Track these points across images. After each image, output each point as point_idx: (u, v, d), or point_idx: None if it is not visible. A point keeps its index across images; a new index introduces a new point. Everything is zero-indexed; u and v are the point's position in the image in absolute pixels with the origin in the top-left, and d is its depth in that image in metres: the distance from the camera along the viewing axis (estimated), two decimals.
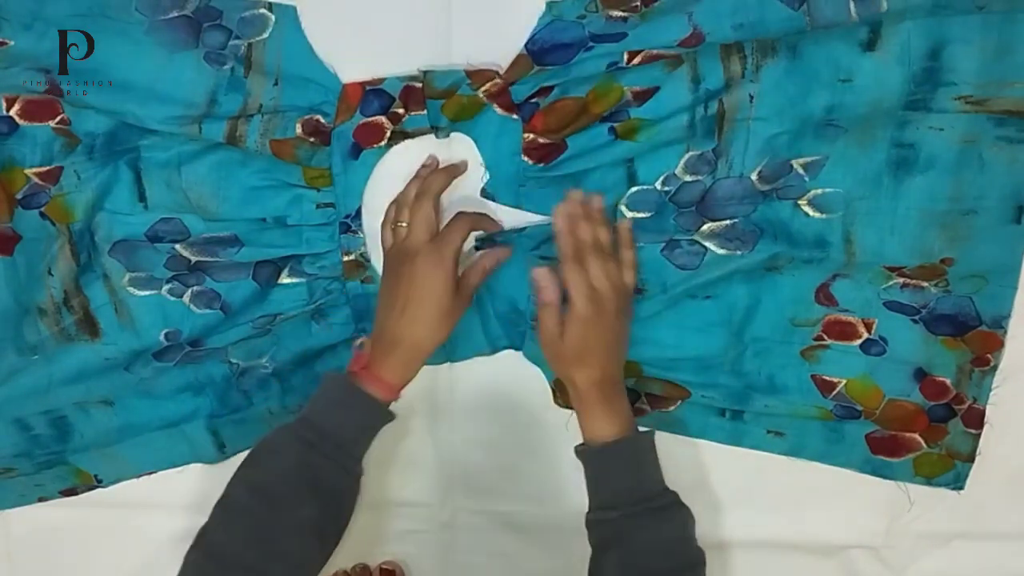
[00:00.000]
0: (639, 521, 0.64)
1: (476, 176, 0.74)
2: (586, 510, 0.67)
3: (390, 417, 0.68)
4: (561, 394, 0.76)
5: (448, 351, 0.76)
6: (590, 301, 0.66)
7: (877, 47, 0.68)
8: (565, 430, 0.77)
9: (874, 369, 0.73)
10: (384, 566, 0.80)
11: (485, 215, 0.73)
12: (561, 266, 0.67)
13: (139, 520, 0.79)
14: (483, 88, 0.71)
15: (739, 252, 0.71)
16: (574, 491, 0.78)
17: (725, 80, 0.69)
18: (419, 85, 0.71)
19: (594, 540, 0.66)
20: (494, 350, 0.76)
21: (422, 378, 0.77)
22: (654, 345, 0.74)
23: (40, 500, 0.80)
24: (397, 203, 0.73)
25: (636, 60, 0.69)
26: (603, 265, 0.67)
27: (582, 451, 0.67)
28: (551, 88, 0.71)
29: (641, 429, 0.67)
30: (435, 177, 0.72)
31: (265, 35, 0.72)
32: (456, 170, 0.73)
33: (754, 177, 0.70)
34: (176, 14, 0.72)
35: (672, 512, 0.66)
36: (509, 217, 0.75)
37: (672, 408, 0.76)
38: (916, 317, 0.72)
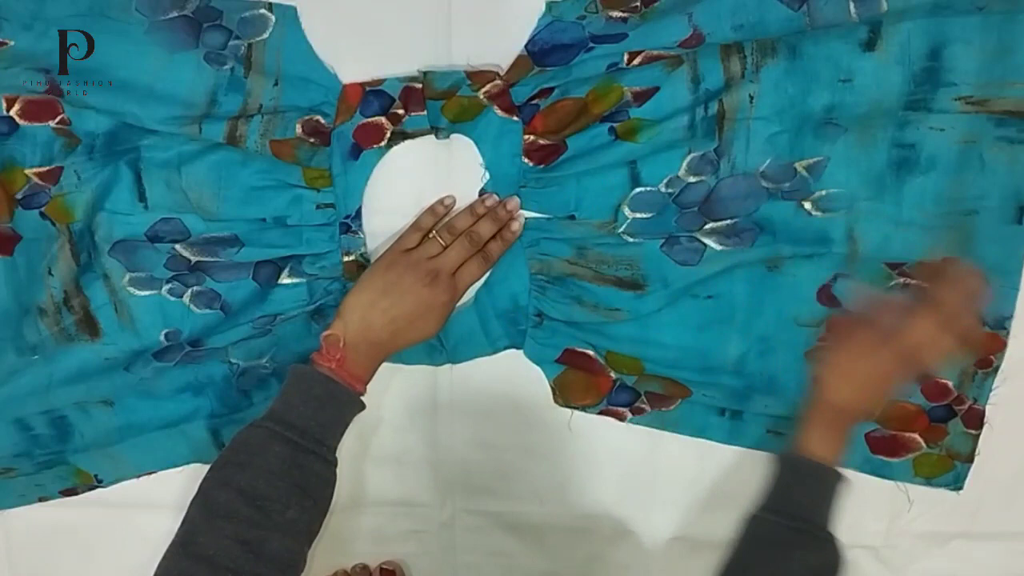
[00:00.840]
0: (801, 538, 0.64)
1: (476, 177, 0.74)
2: (750, 511, 0.66)
3: (363, 407, 0.68)
4: (561, 393, 0.76)
5: (449, 353, 0.76)
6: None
7: (877, 47, 0.68)
8: (567, 430, 0.78)
9: None
10: (384, 566, 0.80)
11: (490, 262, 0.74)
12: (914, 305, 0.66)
13: (139, 520, 0.79)
14: (483, 89, 0.71)
15: (738, 248, 0.71)
16: (574, 491, 0.79)
17: (725, 80, 0.69)
18: (419, 86, 0.71)
19: (747, 535, 0.65)
20: (495, 350, 0.76)
21: (422, 378, 0.78)
22: (657, 344, 0.74)
23: (40, 500, 0.80)
24: (449, 223, 0.72)
25: (636, 61, 0.69)
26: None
27: (787, 455, 0.67)
28: (551, 89, 0.71)
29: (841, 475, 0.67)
30: (489, 230, 0.72)
31: (265, 35, 0.72)
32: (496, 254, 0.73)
33: (757, 175, 0.71)
34: (176, 14, 0.72)
35: (830, 548, 0.65)
36: None
37: (672, 407, 0.76)
38: None
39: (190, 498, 0.62)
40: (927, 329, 0.64)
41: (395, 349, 0.70)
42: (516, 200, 0.73)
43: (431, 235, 0.72)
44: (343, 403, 0.67)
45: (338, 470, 0.77)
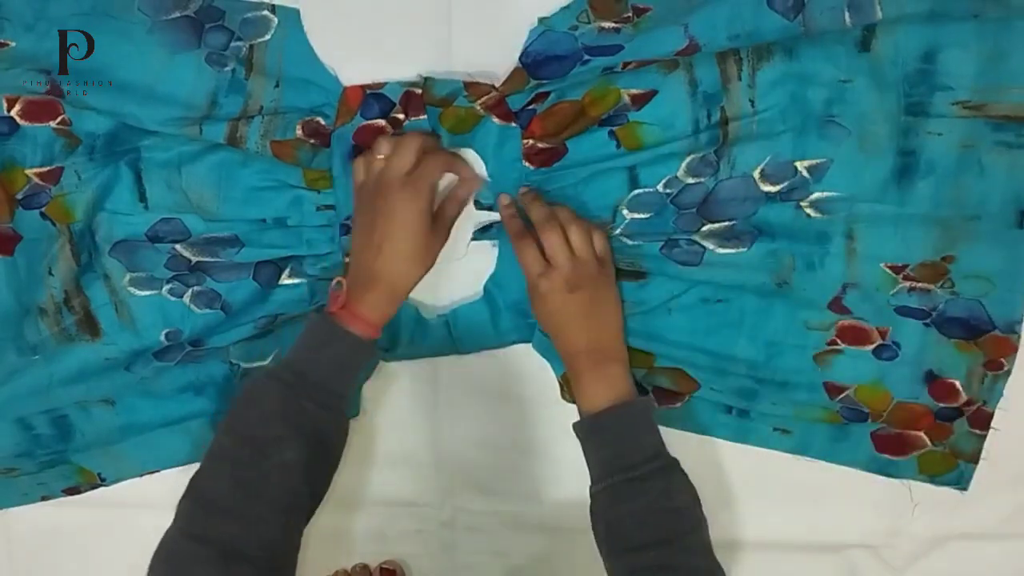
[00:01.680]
0: (617, 493, 0.64)
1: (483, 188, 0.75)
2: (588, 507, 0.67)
3: (372, 353, 0.68)
4: (569, 389, 0.76)
5: (456, 342, 0.76)
6: (571, 262, 0.68)
7: (872, 48, 0.68)
8: (567, 430, 0.77)
9: (885, 374, 0.73)
10: (385, 566, 0.80)
11: (459, 156, 0.73)
12: (537, 229, 0.69)
13: (140, 519, 0.78)
14: (480, 101, 0.71)
15: (737, 250, 0.72)
16: (576, 490, 0.79)
17: (722, 83, 0.69)
18: (419, 91, 0.71)
19: (591, 517, 0.66)
20: (502, 343, 0.77)
21: (423, 376, 0.78)
22: (666, 342, 0.74)
23: (43, 499, 0.80)
24: (378, 140, 0.71)
25: (632, 65, 0.69)
26: (582, 229, 0.69)
27: (575, 425, 0.67)
28: (547, 94, 0.71)
29: (640, 397, 0.68)
30: (434, 142, 0.71)
31: (267, 37, 0.72)
32: (456, 167, 0.72)
33: (756, 175, 0.71)
34: (178, 14, 0.72)
35: (652, 482, 0.64)
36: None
37: (679, 404, 0.76)
38: (927, 321, 0.72)
39: None
40: (560, 233, 0.68)
41: (404, 277, 0.68)
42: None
43: (376, 156, 0.69)
44: (346, 346, 0.66)
45: (339, 468, 0.77)
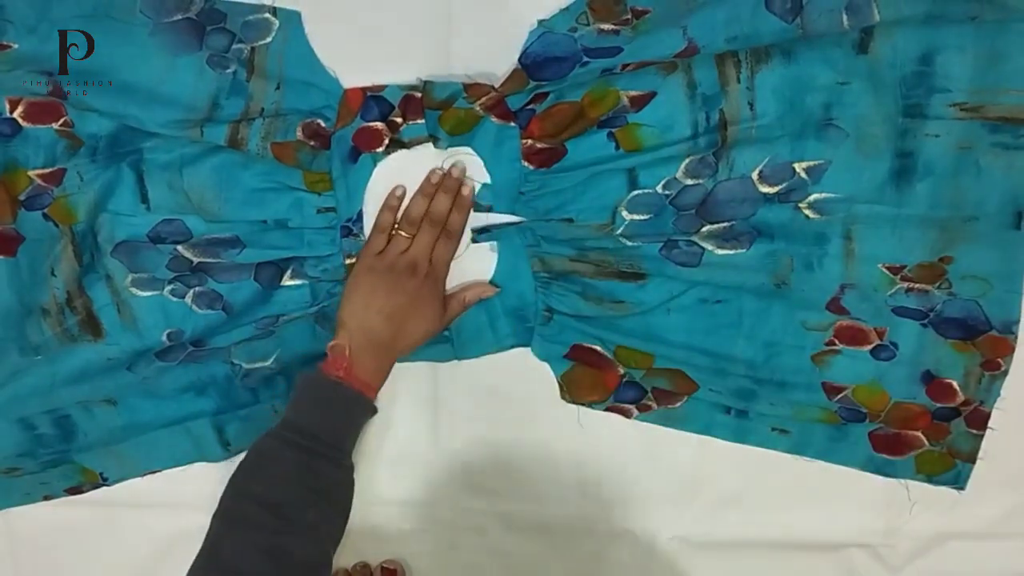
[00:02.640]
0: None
1: (476, 179, 0.75)
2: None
3: (375, 411, 0.69)
4: (569, 390, 0.77)
5: (456, 349, 0.76)
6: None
7: (869, 50, 0.69)
8: (567, 429, 0.78)
9: (883, 374, 0.73)
10: (385, 565, 0.80)
11: (492, 289, 0.76)
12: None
13: (143, 519, 0.80)
14: (479, 102, 0.71)
15: (736, 251, 0.72)
16: (575, 490, 0.79)
17: (720, 85, 0.69)
18: (419, 95, 0.71)
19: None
20: (501, 348, 0.77)
21: (424, 377, 0.78)
22: (665, 343, 0.75)
23: (45, 498, 0.80)
24: (406, 214, 0.73)
25: (630, 66, 0.69)
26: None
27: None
28: (546, 94, 0.71)
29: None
30: (445, 204, 0.73)
31: (268, 39, 0.73)
32: (476, 292, 0.75)
33: (754, 176, 0.71)
34: (180, 17, 0.72)
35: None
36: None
37: (678, 405, 0.76)
38: (925, 321, 0.72)
39: (194, 497, 0.63)
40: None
41: (403, 349, 0.71)
42: (460, 167, 0.74)
43: (394, 232, 0.73)
44: (353, 408, 0.67)
45: None
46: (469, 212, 0.75)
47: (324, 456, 0.65)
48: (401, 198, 0.75)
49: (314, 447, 0.64)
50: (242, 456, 0.65)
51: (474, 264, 0.76)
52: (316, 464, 0.64)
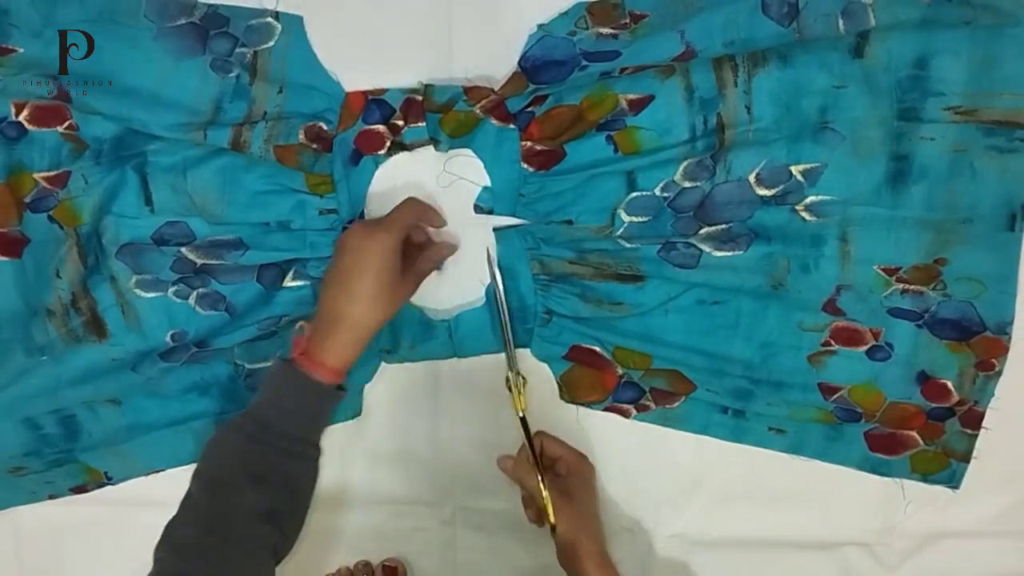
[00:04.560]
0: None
1: (476, 180, 0.76)
2: None
3: (338, 397, 0.68)
4: (568, 390, 0.77)
5: (456, 347, 0.77)
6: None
7: (865, 54, 0.69)
8: (577, 425, 0.78)
9: (878, 374, 0.74)
10: (386, 563, 0.81)
11: (431, 207, 0.74)
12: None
13: (147, 518, 0.78)
14: (479, 104, 0.72)
15: (733, 253, 0.73)
16: None
17: (718, 89, 0.70)
18: (420, 98, 0.72)
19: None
20: (501, 349, 0.77)
21: (424, 377, 0.78)
22: (663, 343, 0.75)
23: (50, 497, 0.80)
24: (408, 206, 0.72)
25: (629, 70, 0.70)
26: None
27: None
28: (546, 97, 0.72)
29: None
30: (431, 217, 0.73)
31: (271, 43, 0.73)
32: (429, 217, 0.74)
33: (752, 179, 0.72)
34: (184, 21, 0.73)
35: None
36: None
37: (676, 405, 0.77)
38: (920, 322, 0.73)
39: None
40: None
41: (368, 319, 0.67)
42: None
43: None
44: (306, 394, 0.66)
45: (339, 468, 0.78)
46: (424, 206, 0.73)
47: (271, 444, 0.65)
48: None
49: (261, 435, 0.65)
50: None
51: (475, 269, 0.76)
52: (261, 452, 0.65)
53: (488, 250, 0.75)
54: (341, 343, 0.66)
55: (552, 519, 0.71)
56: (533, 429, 0.75)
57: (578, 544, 0.70)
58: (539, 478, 0.71)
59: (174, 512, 0.64)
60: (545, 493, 0.71)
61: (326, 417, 0.69)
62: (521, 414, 0.73)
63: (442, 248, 0.75)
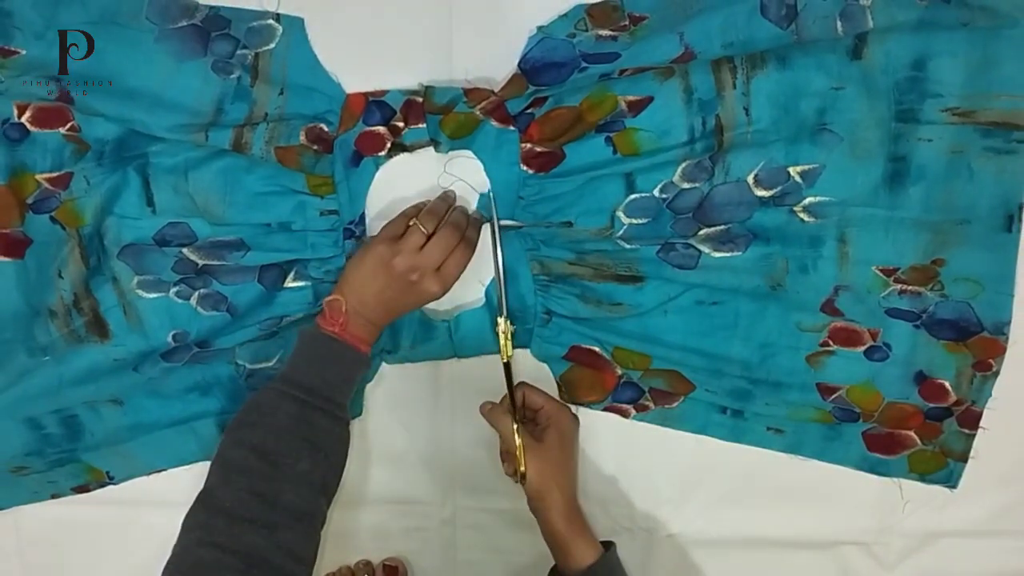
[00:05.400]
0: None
1: (476, 181, 0.76)
2: None
3: (370, 365, 0.73)
4: (567, 390, 0.78)
5: (456, 347, 0.77)
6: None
7: (863, 55, 0.69)
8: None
9: (876, 375, 0.74)
10: (387, 562, 0.81)
11: (462, 211, 0.75)
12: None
13: (149, 517, 0.80)
14: (479, 106, 0.72)
15: (732, 254, 0.73)
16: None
17: (716, 90, 0.70)
18: (420, 100, 0.72)
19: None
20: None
21: (424, 376, 0.79)
22: (662, 344, 0.76)
23: (53, 497, 0.81)
24: (429, 209, 0.73)
25: (628, 71, 0.70)
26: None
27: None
28: (545, 99, 0.72)
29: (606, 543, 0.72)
30: (463, 217, 0.73)
31: (272, 45, 0.73)
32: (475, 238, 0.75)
33: (750, 180, 0.72)
34: (185, 23, 0.73)
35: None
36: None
37: (675, 404, 0.77)
38: (917, 322, 0.73)
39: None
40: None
41: (389, 321, 0.73)
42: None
43: (413, 223, 0.71)
44: (348, 362, 0.70)
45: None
46: (476, 243, 0.75)
47: (319, 408, 0.67)
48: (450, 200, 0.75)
49: (310, 399, 0.66)
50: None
51: (475, 270, 0.76)
52: (310, 416, 0.66)
53: (490, 195, 0.75)
54: (371, 327, 0.71)
55: (523, 467, 0.71)
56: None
57: (547, 493, 0.71)
58: (514, 426, 0.71)
59: (173, 511, 0.63)
60: (518, 440, 0.71)
61: (356, 385, 0.72)
62: (505, 360, 0.73)
63: (472, 245, 0.74)
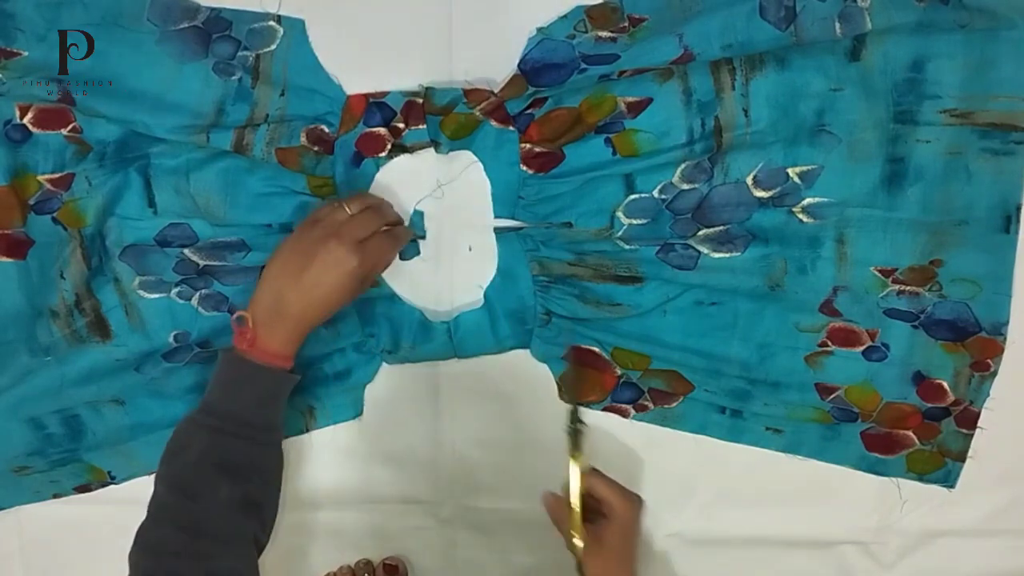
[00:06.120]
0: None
1: (476, 182, 0.76)
2: None
3: (293, 380, 0.69)
4: (566, 389, 0.78)
5: (456, 347, 0.77)
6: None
7: (861, 57, 0.70)
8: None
9: (875, 375, 0.75)
10: (387, 562, 0.81)
11: (389, 206, 0.75)
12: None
13: None
14: (479, 107, 0.72)
15: (731, 254, 0.73)
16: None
17: (716, 92, 0.71)
18: (420, 100, 0.72)
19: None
20: (501, 349, 0.78)
21: (424, 377, 0.79)
22: (661, 344, 0.76)
23: (55, 496, 0.81)
24: (358, 194, 0.73)
25: (627, 73, 0.71)
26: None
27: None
28: (545, 99, 0.72)
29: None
30: (396, 217, 0.74)
31: (273, 47, 0.74)
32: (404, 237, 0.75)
33: (749, 181, 0.72)
34: (187, 24, 0.73)
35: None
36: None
37: (674, 405, 0.78)
38: (916, 323, 0.74)
39: None
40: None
41: (314, 319, 0.68)
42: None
43: (338, 203, 0.70)
44: (262, 382, 0.67)
45: (341, 467, 0.78)
46: (404, 241, 0.75)
47: (236, 435, 0.66)
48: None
49: (223, 426, 0.66)
50: None
51: (474, 271, 0.77)
52: (225, 443, 0.65)
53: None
54: (289, 333, 0.67)
55: (584, 569, 0.68)
56: (537, 438, 0.75)
57: None
58: (576, 526, 0.68)
59: None
60: (579, 543, 0.67)
61: (283, 401, 0.69)
62: (573, 460, 0.69)
63: (398, 238, 0.73)
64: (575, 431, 0.70)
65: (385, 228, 0.72)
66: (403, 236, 0.74)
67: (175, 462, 0.66)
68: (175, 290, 0.76)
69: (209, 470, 0.64)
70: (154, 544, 0.63)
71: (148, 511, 0.65)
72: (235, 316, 0.68)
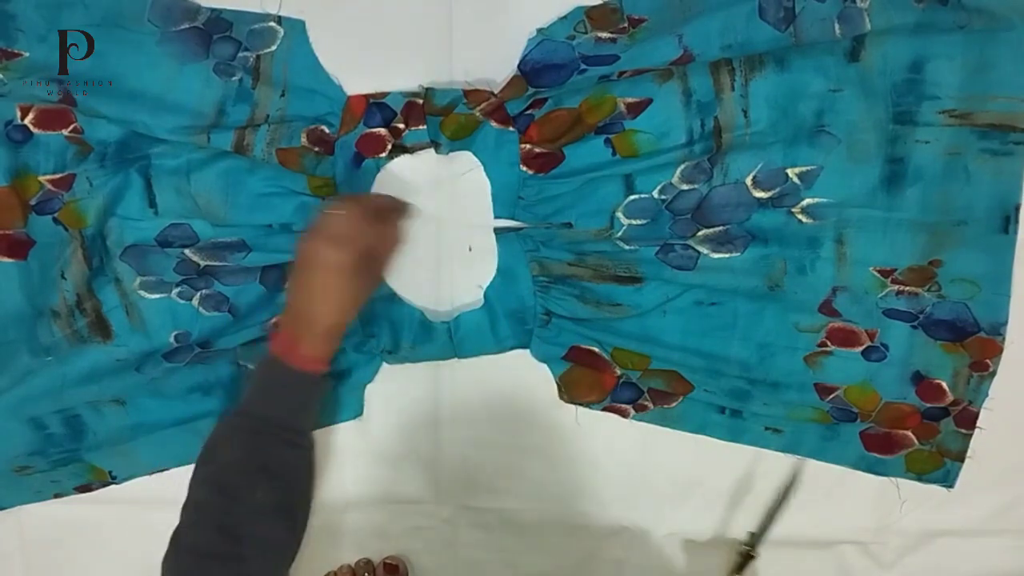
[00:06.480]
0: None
1: (476, 182, 0.76)
2: None
3: (326, 387, 0.71)
4: (567, 390, 0.78)
5: (456, 347, 0.77)
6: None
7: (861, 57, 0.70)
8: (566, 429, 0.79)
9: (874, 375, 0.75)
10: (388, 561, 0.81)
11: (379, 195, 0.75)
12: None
13: (151, 516, 0.79)
14: (479, 107, 0.72)
15: (731, 255, 0.73)
16: (573, 489, 0.80)
17: (715, 92, 0.71)
18: (420, 101, 0.73)
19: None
20: (501, 350, 0.78)
21: (425, 377, 0.79)
22: (661, 344, 0.76)
23: (56, 496, 0.81)
24: (354, 198, 0.73)
25: (627, 73, 0.71)
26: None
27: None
28: (545, 100, 0.73)
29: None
30: (397, 212, 0.74)
31: (273, 47, 0.74)
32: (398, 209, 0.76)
33: (748, 182, 0.72)
34: (187, 25, 0.73)
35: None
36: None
37: (673, 405, 0.78)
38: (915, 323, 0.74)
39: None
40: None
41: (339, 320, 0.69)
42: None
43: (336, 210, 0.69)
44: (299, 388, 0.69)
45: (341, 467, 0.78)
46: (399, 215, 0.76)
47: (272, 436, 0.67)
48: None
49: (263, 428, 0.67)
50: None
51: (474, 271, 0.77)
52: (265, 444, 0.66)
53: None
54: (319, 339, 0.69)
55: None
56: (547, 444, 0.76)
57: None
58: None
59: (175, 510, 0.64)
60: None
61: (317, 407, 0.71)
62: None
63: (389, 212, 0.74)
64: (746, 554, 0.74)
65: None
66: (396, 208, 0.74)
67: (215, 463, 0.66)
68: (176, 290, 0.76)
69: (248, 472, 0.65)
70: (195, 546, 0.63)
71: (184, 511, 0.65)
72: (271, 322, 0.70)
